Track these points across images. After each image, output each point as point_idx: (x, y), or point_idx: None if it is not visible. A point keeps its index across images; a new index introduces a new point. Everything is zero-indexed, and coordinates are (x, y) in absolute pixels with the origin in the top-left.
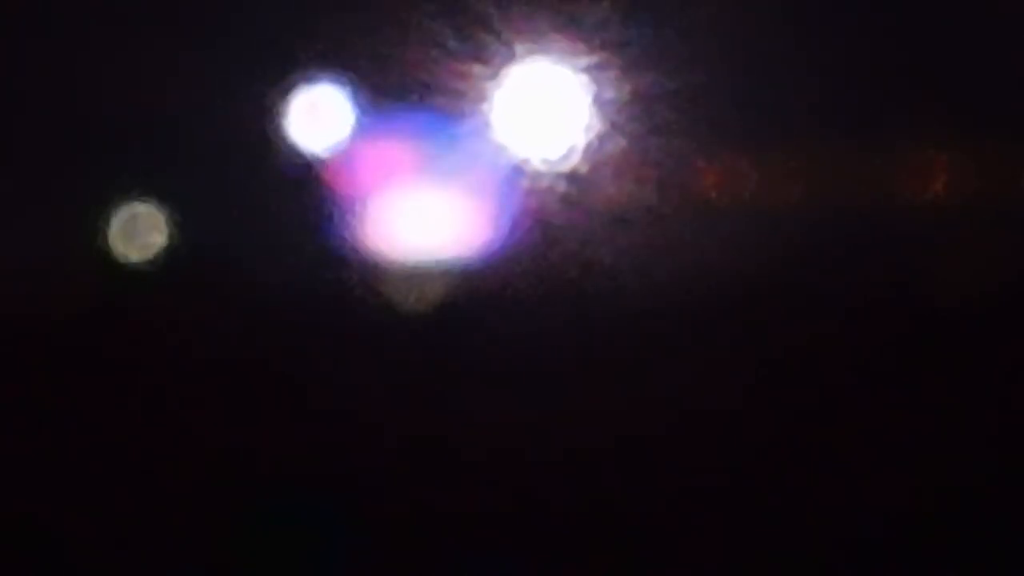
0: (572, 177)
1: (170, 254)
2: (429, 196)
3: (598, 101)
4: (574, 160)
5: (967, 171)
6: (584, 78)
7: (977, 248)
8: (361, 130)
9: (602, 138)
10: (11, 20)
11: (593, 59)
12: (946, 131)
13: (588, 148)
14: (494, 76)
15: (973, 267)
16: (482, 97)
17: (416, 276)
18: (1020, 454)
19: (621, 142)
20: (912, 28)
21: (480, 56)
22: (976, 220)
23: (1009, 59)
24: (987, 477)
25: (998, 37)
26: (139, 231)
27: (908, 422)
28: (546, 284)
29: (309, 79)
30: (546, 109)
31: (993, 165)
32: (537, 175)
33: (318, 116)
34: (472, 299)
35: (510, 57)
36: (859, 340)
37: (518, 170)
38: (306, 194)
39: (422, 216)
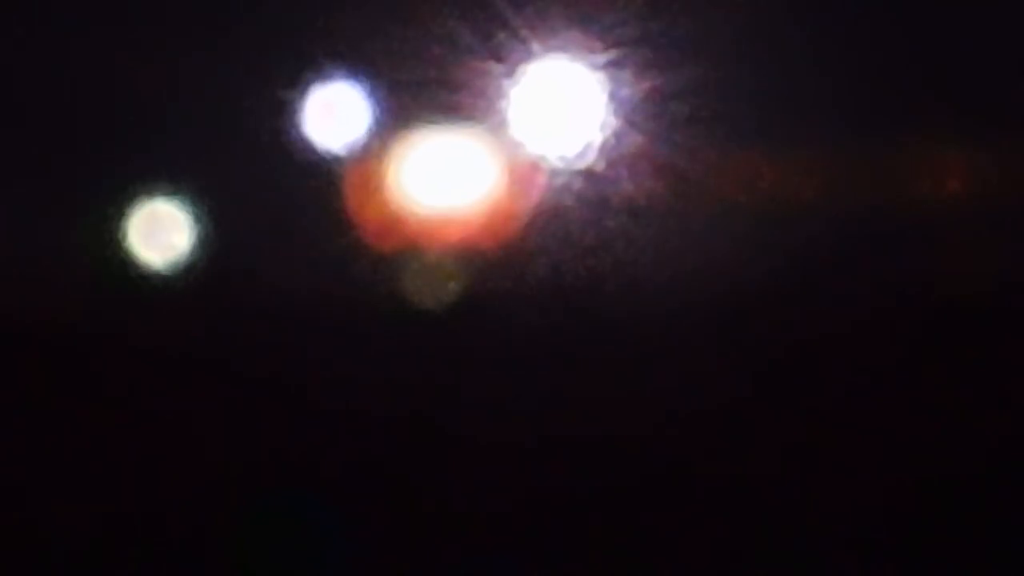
0: (588, 173)
1: (186, 252)
2: (445, 192)
3: (614, 98)
4: (590, 157)
5: (980, 171)
6: (600, 75)
7: (988, 247)
8: (378, 127)
9: (618, 135)
10: (29, 16)
11: (609, 56)
12: (961, 130)
13: (604, 145)
14: (510, 73)
15: (983, 266)
16: (499, 94)
17: (432, 272)
18: (1020, 454)
19: (637, 139)
20: (928, 27)
21: (496, 53)
22: (987, 219)
23: (1021, 59)
24: (987, 477)
25: (1009, 38)
26: (156, 230)
27: (913, 421)
28: (562, 280)
29: (325, 78)
30: (563, 106)
31: (1006, 165)
32: (554, 172)
33: (334, 114)
34: (487, 295)
35: (526, 54)
36: (874, 337)
37: (535, 167)
38: (323, 191)
39: (438, 212)
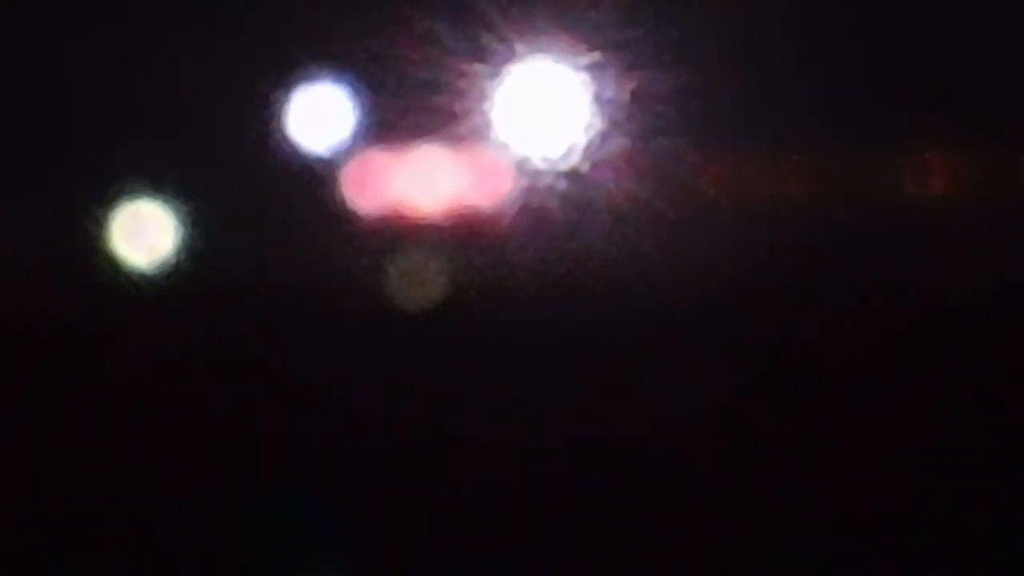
0: (572, 176)
1: (179, 253)
2: (430, 194)
3: (598, 100)
4: (574, 159)
5: (967, 171)
6: (585, 77)
7: (977, 247)
8: (363, 129)
9: (602, 137)
10: (18, 16)
11: (593, 58)
12: (946, 131)
13: (588, 147)
14: (495, 75)
15: (983, 266)
16: (483, 96)
17: (416, 273)
18: (1020, 454)
19: (621, 141)
20: (912, 28)
21: (481, 55)
22: (976, 220)
23: (1010, 59)
24: (987, 477)
25: (999, 37)
26: (142, 231)
27: (913, 421)
28: (546, 282)
29: (311, 79)
30: (547, 108)
31: (993, 165)
32: (537, 174)
33: (320, 116)
34: (472, 297)
35: (511, 56)
36: (858, 339)
37: (519, 169)
38: (308, 193)
39: (423, 214)
